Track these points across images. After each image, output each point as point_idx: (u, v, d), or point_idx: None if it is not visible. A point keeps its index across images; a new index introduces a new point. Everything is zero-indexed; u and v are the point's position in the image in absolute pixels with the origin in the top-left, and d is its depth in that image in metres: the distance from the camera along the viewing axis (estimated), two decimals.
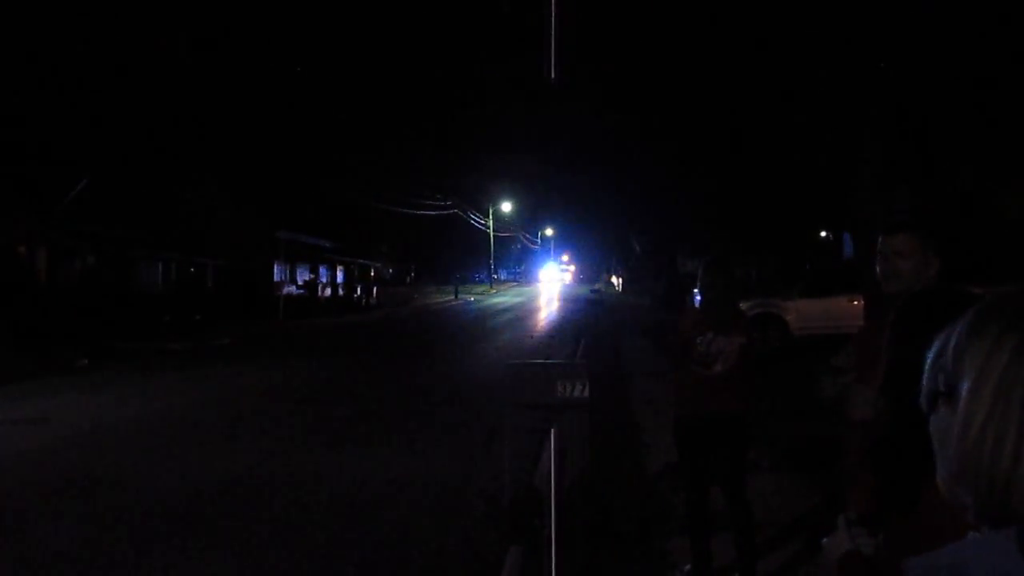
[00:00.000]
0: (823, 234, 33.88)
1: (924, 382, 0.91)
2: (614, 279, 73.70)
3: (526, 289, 71.08)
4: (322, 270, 43.42)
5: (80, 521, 5.90)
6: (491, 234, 71.17)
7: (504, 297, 54.93)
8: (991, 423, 0.80)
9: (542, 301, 48.35)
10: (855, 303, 15.22)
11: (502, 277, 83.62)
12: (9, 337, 18.63)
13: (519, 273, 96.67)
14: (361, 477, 7.11)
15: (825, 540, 1.39)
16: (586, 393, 5.23)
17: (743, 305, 16.51)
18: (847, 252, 24.47)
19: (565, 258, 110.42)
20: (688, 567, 4.38)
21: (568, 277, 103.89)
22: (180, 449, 8.41)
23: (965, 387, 0.83)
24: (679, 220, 34.25)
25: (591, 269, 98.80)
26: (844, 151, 18.86)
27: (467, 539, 5.40)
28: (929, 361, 0.90)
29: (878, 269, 2.49)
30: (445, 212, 58.06)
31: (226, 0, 34.50)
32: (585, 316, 29.00)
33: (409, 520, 5.87)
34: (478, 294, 58.30)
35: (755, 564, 4.23)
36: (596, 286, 57.71)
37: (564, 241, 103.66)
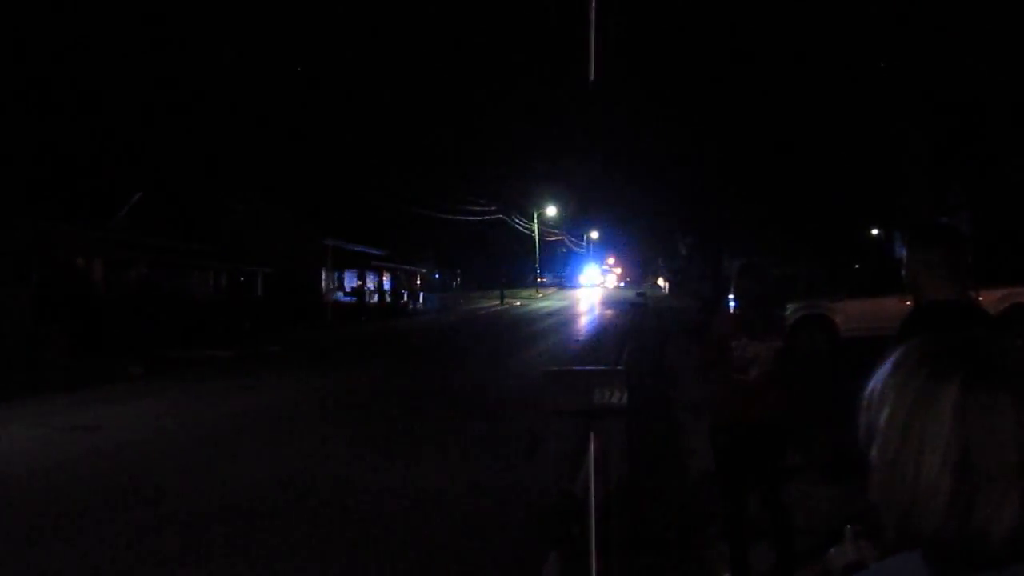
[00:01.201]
0: (874, 232, 33.27)
1: (860, 421, 0.98)
2: (660, 281, 73.14)
3: (571, 293, 70.72)
4: (369, 276, 43.91)
5: (128, 528, 6.06)
6: (536, 238, 71.21)
7: (549, 301, 54.87)
8: (899, 455, 0.90)
9: (587, 306, 48.24)
10: (906, 303, 14.87)
11: (548, 281, 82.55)
12: (67, 346, 19.19)
13: (564, 277, 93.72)
14: (403, 483, 7.18)
15: (832, 550, 1.40)
16: (624, 400, 5.21)
17: (789, 307, 16.32)
18: (898, 251, 24.00)
19: (611, 261, 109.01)
20: (727, 575, 4.34)
21: (614, 280, 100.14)
22: (227, 457, 8.58)
23: (880, 422, 0.93)
24: (725, 220, 33.89)
25: (636, 272, 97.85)
26: (893, 148, 18.52)
27: (507, 545, 5.43)
28: (866, 395, 0.98)
29: (904, 276, 2.43)
30: (490, 217, 58.28)
31: (275, 12, 35.14)
32: (630, 320, 28.88)
33: (450, 526, 5.91)
34: (523, 298, 58.33)
35: (794, 572, 4.18)
36: (641, 289, 57.38)
37: (609, 244, 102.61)
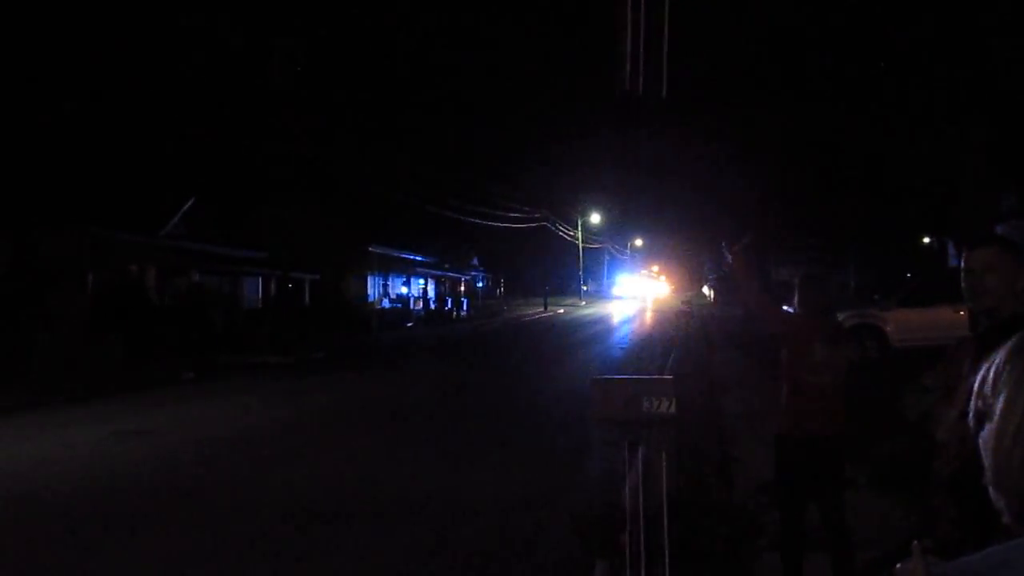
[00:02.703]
0: (926, 241, 32.62)
1: (972, 404, 1.01)
2: (705, 289, 72.41)
3: (615, 302, 70.12)
4: (413, 282, 44.28)
5: (182, 528, 6.20)
6: (580, 245, 71.05)
7: (592, 309, 54.71)
8: (1019, 436, 0.91)
9: (631, 314, 47.98)
10: (960, 313, 14.55)
11: (591, 289, 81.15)
12: (122, 351, 19.66)
13: (608, 285, 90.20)
14: (448, 491, 7.23)
15: (899, 566, 1.38)
16: (673, 409, 5.19)
17: (839, 316, 16.08)
18: (952, 260, 23.48)
19: (655, 268, 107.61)
20: None
21: (664, 289, 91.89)
22: (278, 461, 8.72)
23: (999, 406, 0.94)
24: (771, 228, 33.51)
25: (682, 280, 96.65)
26: (947, 153, 18.15)
27: (554, 554, 5.44)
28: (976, 386, 1.01)
29: (963, 287, 2.42)
30: (534, 224, 58.30)
31: (321, 21, 35.65)
32: (675, 328, 28.65)
33: (496, 534, 5.94)
34: (567, 306, 58.25)
35: None
36: (687, 297, 56.91)
37: (654, 252, 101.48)
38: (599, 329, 33.75)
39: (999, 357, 0.99)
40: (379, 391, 15.17)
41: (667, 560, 4.50)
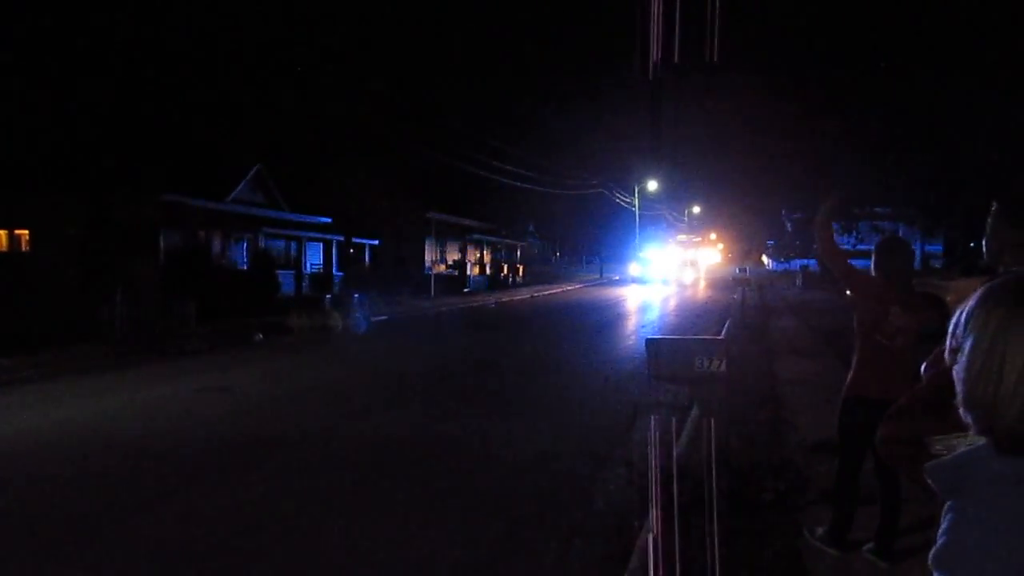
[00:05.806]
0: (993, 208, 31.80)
1: (947, 342, 1.27)
2: (764, 259, 71.44)
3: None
4: (470, 249, 44.79)
5: (268, 474, 6.72)
6: (636, 213, 70.56)
7: (649, 277, 54.59)
8: (984, 368, 1.17)
9: (687, 282, 47.80)
10: None
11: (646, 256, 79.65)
12: (193, 313, 20.52)
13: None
14: (511, 445, 7.63)
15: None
16: (723, 368, 5.49)
17: None
18: None
19: (713, 236, 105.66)
20: (821, 530, 4.58)
21: (713, 255, 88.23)
22: (349, 415, 9.24)
23: (968, 344, 1.20)
24: (839, 196, 32.89)
25: (740, 249, 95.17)
26: (1011, 116, 17.72)
27: (611, 503, 5.80)
28: (951, 327, 1.27)
29: (987, 251, 2.58)
30: (591, 191, 58.11)
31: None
32: (731, 297, 28.62)
33: (557, 485, 6.33)
34: (623, 273, 58.24)
35: (894, 541, 4.35)
36: (743, 266, 56.33)
37: (712, 220, 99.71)
38: (654, 297, 33.85)
39: (971, 302, 1.24)
40: (442, 353, 15.66)
41: (717, 510, 4.82)
